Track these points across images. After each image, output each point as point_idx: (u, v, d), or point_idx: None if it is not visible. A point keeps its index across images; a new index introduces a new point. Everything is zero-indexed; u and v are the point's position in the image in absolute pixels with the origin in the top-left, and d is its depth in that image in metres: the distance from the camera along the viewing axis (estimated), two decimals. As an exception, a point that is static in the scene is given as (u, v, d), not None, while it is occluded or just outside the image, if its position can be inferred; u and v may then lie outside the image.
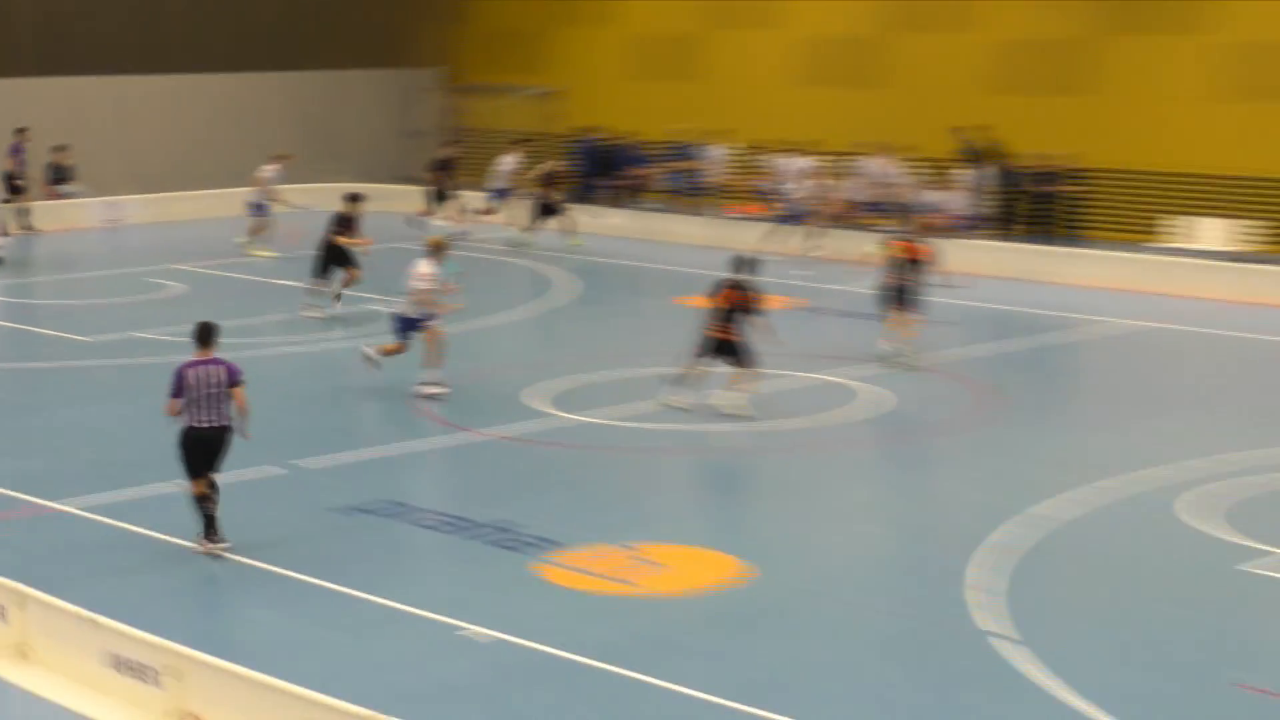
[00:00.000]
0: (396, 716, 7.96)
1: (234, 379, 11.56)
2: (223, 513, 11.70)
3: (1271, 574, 11.77)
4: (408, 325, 16.79)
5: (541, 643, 10.19)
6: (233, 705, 8.50)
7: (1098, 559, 12.52)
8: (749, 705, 9.30)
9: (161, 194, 30.79)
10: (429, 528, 12.85)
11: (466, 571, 11.96)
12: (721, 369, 15.96)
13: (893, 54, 30.49)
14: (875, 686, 9.88)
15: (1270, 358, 19.86)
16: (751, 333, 15.91)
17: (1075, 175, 27.20)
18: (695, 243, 27.14)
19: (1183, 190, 27.02)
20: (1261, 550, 12.14)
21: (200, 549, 11.65)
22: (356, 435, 16.04)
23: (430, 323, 16.66)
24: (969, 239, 25.71)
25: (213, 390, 11.48)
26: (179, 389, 11.42)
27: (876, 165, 28.27)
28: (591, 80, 35.16)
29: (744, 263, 16.34)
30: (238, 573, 11.55)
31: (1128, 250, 25.74)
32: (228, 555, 11.57)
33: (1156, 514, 13.25)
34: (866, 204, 28.08)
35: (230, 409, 11.58)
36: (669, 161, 32.09)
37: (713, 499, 14.55)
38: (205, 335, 11.67)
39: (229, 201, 28.78)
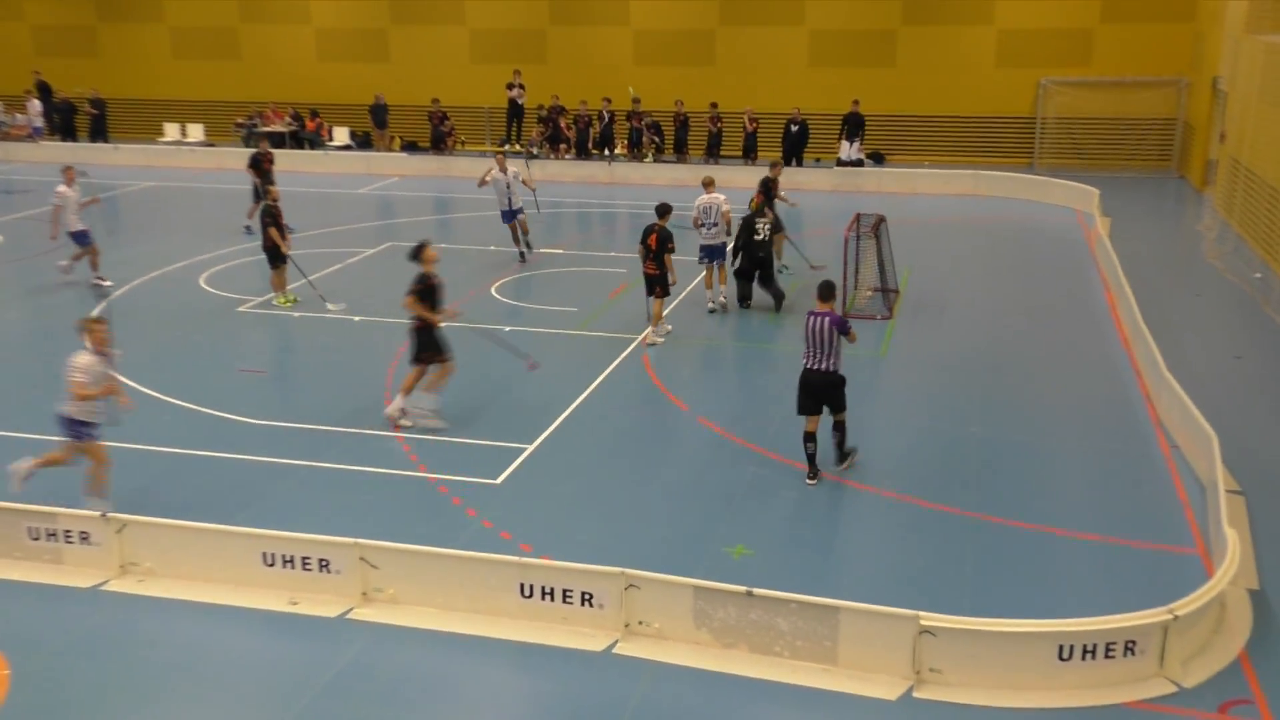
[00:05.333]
0: None
1: (843, 328, 12.07)
2: None
3: (253, 311, 19.71)
4: None
5: None
6: None
7: (155, 311, 19.63)
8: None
9: None
10: None
11: None
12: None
13: None
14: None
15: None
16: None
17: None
18: None
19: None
20: (243, 299, 20.43)
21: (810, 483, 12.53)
22: None
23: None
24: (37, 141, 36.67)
25: (824, 338, 12.04)
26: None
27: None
28: None
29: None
30: None
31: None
32: (831, 477, 12.75)
33: (188, 284, 21.43)
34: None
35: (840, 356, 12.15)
36: None
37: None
38: (828, 291, 12.17)
39: None
